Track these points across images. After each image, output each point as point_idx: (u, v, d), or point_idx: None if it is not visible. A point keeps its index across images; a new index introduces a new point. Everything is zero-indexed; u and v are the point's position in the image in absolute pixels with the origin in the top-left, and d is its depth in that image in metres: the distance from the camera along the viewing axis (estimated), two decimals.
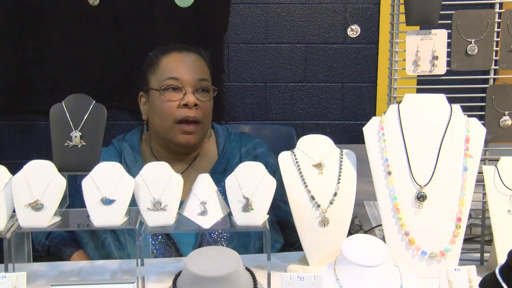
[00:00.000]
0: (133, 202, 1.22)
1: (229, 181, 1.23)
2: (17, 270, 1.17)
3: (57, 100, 1.29)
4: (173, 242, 1.59)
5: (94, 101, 1.29)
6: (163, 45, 1.72)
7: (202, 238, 1.58)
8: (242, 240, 1.60)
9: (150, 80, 1.66)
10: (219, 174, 1.62)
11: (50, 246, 1.69)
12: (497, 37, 1.37)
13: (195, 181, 1.27)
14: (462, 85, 1.37)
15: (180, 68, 1.64)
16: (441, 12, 1.34)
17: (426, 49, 1.36)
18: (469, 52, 1.36)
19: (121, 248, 1.57)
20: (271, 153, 1.76)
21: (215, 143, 1.76)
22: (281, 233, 1.70)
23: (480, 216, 1.41)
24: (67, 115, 1.27)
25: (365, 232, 1.66)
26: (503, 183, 1.29)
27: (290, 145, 1.39)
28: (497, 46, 1.37)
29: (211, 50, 1.80)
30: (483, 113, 1.37)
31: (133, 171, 1.28)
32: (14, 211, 1.19)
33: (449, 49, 1.36)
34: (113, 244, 1.58)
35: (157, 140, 1.70)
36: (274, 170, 1.42)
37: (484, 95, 1.37)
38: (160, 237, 1.58)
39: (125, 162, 1.64)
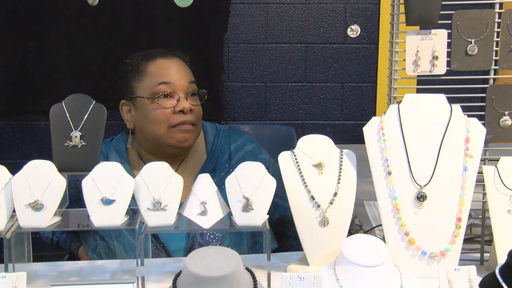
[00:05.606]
0: (133, 202, 1.22)
1: (229, 181, 1.23)
2: (17, 270, 1.17)
3: (57, 100, 1.29)
4: (163, 246, 1.57)
5: (94, 101, 1.29)
6: (142, 51, 1.68)
7: (193, 241, 1.56)
8: (234, 239, 1.58)
9: (135, 88, 1.63)
10: (209, 173, 1.62)
11: (58, 242, 1.75)
12: (497, 37, 1.37)
13: (195, 181, 1.27)
14: (462, 85, 1.37)
15: (170, 72, 1.61)
16: (441, 12, 1.34)
17: (426, 49, 1.36)
18: (469, 52, 1.36)
19: (111, 255, 1.56)
20: (262, 148, 1.74)
21: (203, 141, 1.73)
22: (275, 237, 1.69)
23: (480, 216, 1.41)
24: (67, 115, 1.27)
25: (365, 232, 1.66)
26: (503, 183, 1.29)
27: (290, 145, 1.39)
28: (497, 46, 1.37)
29: (203, 51, 1.75)
30: (483, 113, 1.37)
31: None
32: (14, 211, 1.19)
33: (449, 49, 1.36)
34: (103, 251, 1.58)
35: (146, 146, 1.67)
36: (268, 166, 1.41)
37: (484, 95, 1.37)
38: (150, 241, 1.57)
39: None
